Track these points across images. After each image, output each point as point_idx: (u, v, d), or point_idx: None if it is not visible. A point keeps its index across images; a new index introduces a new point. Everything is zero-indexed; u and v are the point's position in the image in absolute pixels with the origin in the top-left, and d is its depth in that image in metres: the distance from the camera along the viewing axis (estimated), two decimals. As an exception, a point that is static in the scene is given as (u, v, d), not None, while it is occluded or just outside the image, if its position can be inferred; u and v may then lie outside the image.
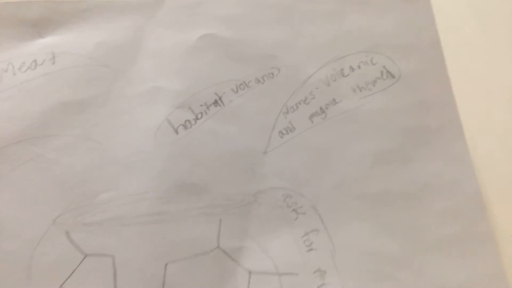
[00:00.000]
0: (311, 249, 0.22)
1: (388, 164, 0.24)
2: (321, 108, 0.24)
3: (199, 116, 0.23)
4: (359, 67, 0.26)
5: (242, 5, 0.26)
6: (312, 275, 0.21)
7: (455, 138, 0.26)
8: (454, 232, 0.24)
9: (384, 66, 0.26)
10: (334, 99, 0.25)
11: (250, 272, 0.21)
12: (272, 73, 0.24)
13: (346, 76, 0.25)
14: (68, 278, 0.19)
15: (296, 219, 0.22)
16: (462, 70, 0.30)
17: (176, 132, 0.22)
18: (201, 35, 0.24)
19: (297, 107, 0.24)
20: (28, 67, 0.22)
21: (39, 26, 0.22)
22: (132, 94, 0.23)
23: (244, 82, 0.24)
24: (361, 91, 0.25)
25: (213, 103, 0.23)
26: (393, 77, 0.26)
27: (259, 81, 0.24)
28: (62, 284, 0.19)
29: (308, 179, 0.23)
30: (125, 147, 0.22)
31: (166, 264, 0.20)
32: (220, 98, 0.23)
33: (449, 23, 0.33)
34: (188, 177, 0.22)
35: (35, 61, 0.22)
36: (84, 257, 0.19)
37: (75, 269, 0.19)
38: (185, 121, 0.23)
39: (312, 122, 0.24)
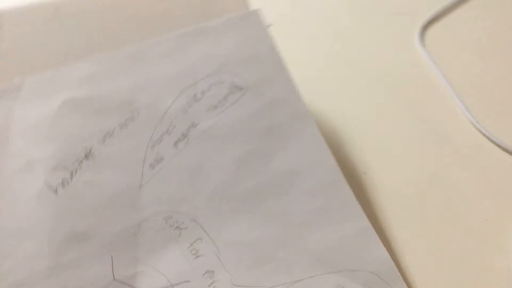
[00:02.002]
0: (197, 256, 0.25)
1: (253, 163, 0.28)
2: (182, 134, 0.28)
3: (74, 172, 0.26)
4: (209, 89, 0.30)
5: (95, 64, 0.29)
6: (202, 278, 0.25)
7: (306, 125, 0.30)
8: (321, 205, 0.28)
9: (232, 82, 0.30)
10: (193, 123, 0.29)
11: (147, 291, 0.24)
12: (133, 116, 0.28)
13: (199, 100, 0.29)
14: None
15: (179, 235, 0.26)
16: (302, 69, 0.34)
17: (56, 192, 0.25)
18: (62, 101, 0.28)
19: (162, 139, 0.28)
20: None
21: None
22: (10, 172, 0.26)
23: (108, 131, 0.27)
24: (215, 109, 0.29)
25: (84, 157, 0.26)
26: (241, 89, 0.30)
27: (122, 126, 0.28)
28: None
29: (184, 197, 0.27)
30: (13, 219, 0.24)
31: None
32: (90, 152, 0.27)
33: (282, 28, 0.38)
34: (75, 228, 0.25)
35: None
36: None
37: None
38: (62, 180, 0.26)
39: (178, 148, 0.28)
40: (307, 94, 0.32)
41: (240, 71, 0.30)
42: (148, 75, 0.29)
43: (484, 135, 0.35)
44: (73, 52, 0.29)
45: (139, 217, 0.26)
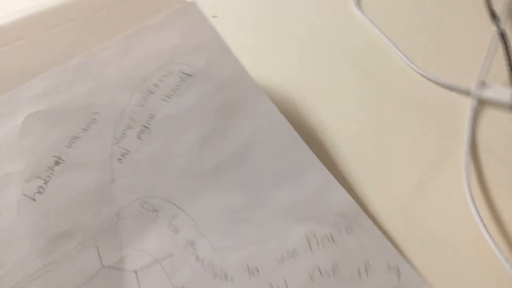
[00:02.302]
0: (177, 231, 0.28)
1: (214, 141, 0.30)
2: (144, 126, 0.30)
3: (48, 179, 0.28)
4: (161, 81, 0.32)
5: (49, 78, 0.31)
6: (184, 249, 0.27)
7: (257, 98, 0.32)
8: (283, 166, 0.30)
9: (181, 71, 0.32)
10: (151, 114, 0.31)
11: (135, 272, 0.26)
12: (94, 118, 0.30)
13: (154, 92, 0.31)
14: None
15: (157, 216, 0.28)
16: (252, 49, 0.37)
17: (34, 199, 0.27)
18: (24, 117, 0.29)
19: (125, 134, 0.30)
20: None
21: None
22: (-13, 189, 0.27)
23: (73, 136, 0.29)
24: (170, 98, 0.31)
25: (55, 164, 0.28)
26: (191, 76, 0.32)
27: (85, 129, 0.29)
28: None
29: (155, 182, 0.29)
30: (-1, 231, 0.26)
31: (65, 297, 0.25)
32: (59, 158, 0.28)
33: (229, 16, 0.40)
34: (58, 228, 0.27)
35: None
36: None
37: None
38: (38, 188, 0.27)
39: (141, 139, 0.30)
40: (261, 72, 0.34)
41: (188, 60, 0.33)
42: (101, 79, 0.31)
43: (425, 77, 0.38)
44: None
45: (116, 207, 0.28)
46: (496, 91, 0.36)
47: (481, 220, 0.28)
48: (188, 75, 0.32)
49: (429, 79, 0.37)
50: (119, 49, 0.32)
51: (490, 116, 0.35)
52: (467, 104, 0.35)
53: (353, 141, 0.35)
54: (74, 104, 0.30)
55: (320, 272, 0.27)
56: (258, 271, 0.27)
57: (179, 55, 0.33)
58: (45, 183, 0.28)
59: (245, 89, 0.32)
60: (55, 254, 0.26)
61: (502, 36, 0.38)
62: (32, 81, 0.31)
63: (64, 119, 0.30)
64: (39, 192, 0.27)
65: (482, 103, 0.35)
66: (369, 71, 0.40)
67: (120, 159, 0.29)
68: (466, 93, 0.36)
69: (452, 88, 0.37)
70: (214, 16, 0.37)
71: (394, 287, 0.27)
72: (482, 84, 0.36)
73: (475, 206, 0.29)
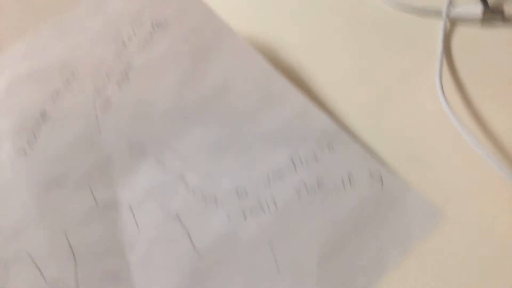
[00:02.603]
0: (166, 167, 0.29)
1: (191, 83, 0.32)
2: (122, 76, 0.31)
3: (36, 133, 0.29)
4: (134, 33, 0.33)
5: (26, 43, 0.32)
6: (175, 182, 0.28)
7: (230, 39, 0.33)
8: (261, 97, 0.31)
9: (152, 21, 0.33)
10: (128, 65, 0.32)
11: (130, 207, 0.27)
12: (74, 74, 0.31)
13: (128, 44, 0.32)
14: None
15: (145, 155, 0.29)
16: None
17: (25, 152, 0.28)
18: (7, 80, 0.30)
19: (105, 86, 0.31)
20: None
21: None
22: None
23: (56, 92, 0.30)
24: (144, 47, 0.32)
25: (41, 119, 0.29)
26: (163, 24, 0.33)
27: (66, 85, 0.31)
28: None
29: (139, 126, 0.30)
30: (-4, 186, 0.27)
31: (66, 235, 0.26)
32: (45, 113, 0.30)
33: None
34: (50, 175, 0.28)
35: None
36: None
37: None
38: (27, 142, 0.29)
39: (121, 89, 0.31)
40: (240, 23, 0.35)
41: (158, 10, 0.33)
42: (75, 37, 0.32)
43: (397, 5, 0.38)
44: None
45: (105, 152, 0.29)
46: (466, 8, 0.36)
47: (453, 113, 0.29)
48: (160, 24, 0.33)
49: (401, 7, 0.38)
50: (90, 6, 0.33)
51: (462, 33, 0.36)
52: (440, 25, 0.36)
53: (330, 72, 0.36)
54: (53, 63, 0.31)
55: (306, 188, 0.28)
56: (246, 193, 0.28)
57: (147, 7, 0.34)
58: (34, 137, 0.29)
59: (217, 32, 0.33)
60: (50, 199, 0.27)
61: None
62: (11, 47, 0.32)
63: (45, 78, 0.31)
64: (29, 146, 0.29)
65: (454, 23, 0.36)
66: (340, 6, 0.40)
67: (103, 109, 0.30)
68: (438, 14, 0.37)
69: (424, 12, 0.37)
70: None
71: (378, 193, 0.28)
72: (451, 3, 0.36)
73: (450, 107, 0.30)
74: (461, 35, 0.36)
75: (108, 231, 0.27)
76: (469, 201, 0.28)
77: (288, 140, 0.30)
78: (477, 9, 0.35)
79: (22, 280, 0.25)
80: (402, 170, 0.29)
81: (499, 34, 0.35)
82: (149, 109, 0.31)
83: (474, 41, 0.35)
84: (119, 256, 0.26)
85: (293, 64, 0.37)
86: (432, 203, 0.27)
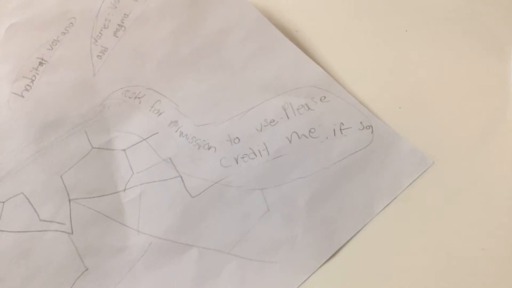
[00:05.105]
0: (160, 114, 0.29)
1: (186, 32, 0.32)
2: (118, 25, 0.31)
3: (33, 78, 0.29)
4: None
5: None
6: (168, 128, 0.29)
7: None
8: (255, 48, 0.32)
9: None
10: (125, 14, 0.32)
11: (124, 150, 0.28)
12: (71, 22, 0.31)
13: (126, -5, 0.32)
14: None
15: (140, 102, 0.30)
16: None
17: (22, 96, 0.29)
18: (5, 28, 0.31)
19: (101, 33, 0.31)
20: None
21: None
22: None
23: (53, 39, 0.31)
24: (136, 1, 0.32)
25: (39, 64, 0.30)
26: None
27: (64, 33, 0.31)
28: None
29: (134, 73, 0.30)
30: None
31: (61, 176, 0.27)
32: (43, 59, 0.30)
33: None
34: (47, 119, 0.28)
35: None
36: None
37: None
38: (25, 86, 0.29)
39: (117, 37, 0.31)
40: None
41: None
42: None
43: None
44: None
45: (100, 97, 0.29)
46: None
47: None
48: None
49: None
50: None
51: None
52: None
53: (325, 34, 0.36)
54: (51, 12, 0.31)
55: (298, 135, 0.28)
56: (239, 139, 0.28)
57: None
58: (31, 82, 0.29)
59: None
60: (46, 141, 0.28)
61: None
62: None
63: (43, 26, 0.31)
64: (27, 90, 0.29)
65: None
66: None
67: (99, 55, 0.30)
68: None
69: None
70: None
71: (368, 142, 0.28)
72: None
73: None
74: None
75: (103, 173, 0.27)
76: (458, 149, 0.28)
77: (281, 90, 0.30)
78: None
79: (16, 218, 0.26)
80: (392, 120, 0.29)
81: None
82: (144, 58, 0.31)
83: None
84: (113, 196, 0.27)
85: (289, 26, 0.37)
86: (421, 151, 0.28)
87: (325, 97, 0.30)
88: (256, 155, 0.28)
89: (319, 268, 0.25)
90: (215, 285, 0.24)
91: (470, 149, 0.28)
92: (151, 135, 0.28)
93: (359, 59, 0.33)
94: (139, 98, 0.30)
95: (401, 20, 0.34)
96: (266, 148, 0.28)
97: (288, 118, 0.29)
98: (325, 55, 0.34)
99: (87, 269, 0.24)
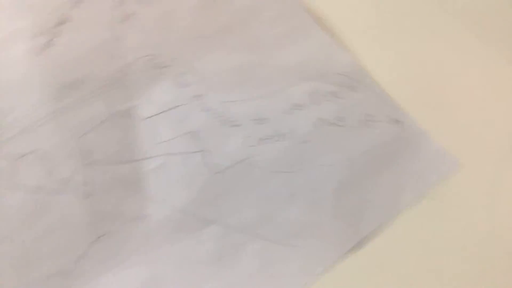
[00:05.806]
0: (184, 85, 0.28)
1: (215, 6, 0.31)
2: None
3: (54, 36, 0.28)
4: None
5: None
6: (192, 101, 0.28)
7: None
8: (284, 30, 0.31)
9: None
10: (154, -19, 0.31)
11: (143, 120, 0.27)
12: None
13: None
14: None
15: (164, 72, 0.28)
16: None
17: (42, 54, 0.27)
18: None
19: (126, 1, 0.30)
20: None
21: None
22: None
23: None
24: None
25: (61, 22, 0.28)
26: None
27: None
28: None
29: (159, 42, 0.29)
30: (10, 79, 0.26)
31: (79, 138, 0.25)
32: (65, 17, 0.29)
33: None
34: (65, 79, 0.27)
35: None
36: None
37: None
38: (46, 43, 0.28)
39: (141, 3, 0.30)
40: None
41: None
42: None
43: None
44: None
45: (123, 62, 0.28)
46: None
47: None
48: None
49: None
50: None
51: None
52: None
53: (356, 26, 0.35)
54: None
55: (325, 122, 0.28)
56: (264, 120, 0.27)
57: None
58: (52, 39, 0.28)
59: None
60: (63, 102, 0.26)
61: None
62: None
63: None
64: (47, 47, 0.28)
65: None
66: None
67: (123, 20, 0.29)
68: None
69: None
70: None
71: (396, 137, 0.28)
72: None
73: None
74: None
75: (122, 140, 0.26)
76: (487, 152, 0.28)
77: (310, 76, 0.29)
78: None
79: (31, 175, 0.24)
80: (422, 118, 0.29)
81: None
82: (169, 27, 0.30)
83: None
84: (131, 165, 0.26)
85: (319, 12, 0.37)
86: (450, 152, 0.27)
87: (354, 87, 0.29)
88: (281, 138, 0.27)
89: (341, 260, 0.24)
90: (233, 264, 0.23)
91: (500, 154, 0.28)
92: (174, 107, 0.27)
93: (389, 53, 0.32)
94: (164, 67, 0.28)
95: (435, 19, 0.34)
96: (292, 131, 0.27)
97: (315, 104, 0.28)
98: (354, 46, 0.33)
99: (103, 235, 0.23)
